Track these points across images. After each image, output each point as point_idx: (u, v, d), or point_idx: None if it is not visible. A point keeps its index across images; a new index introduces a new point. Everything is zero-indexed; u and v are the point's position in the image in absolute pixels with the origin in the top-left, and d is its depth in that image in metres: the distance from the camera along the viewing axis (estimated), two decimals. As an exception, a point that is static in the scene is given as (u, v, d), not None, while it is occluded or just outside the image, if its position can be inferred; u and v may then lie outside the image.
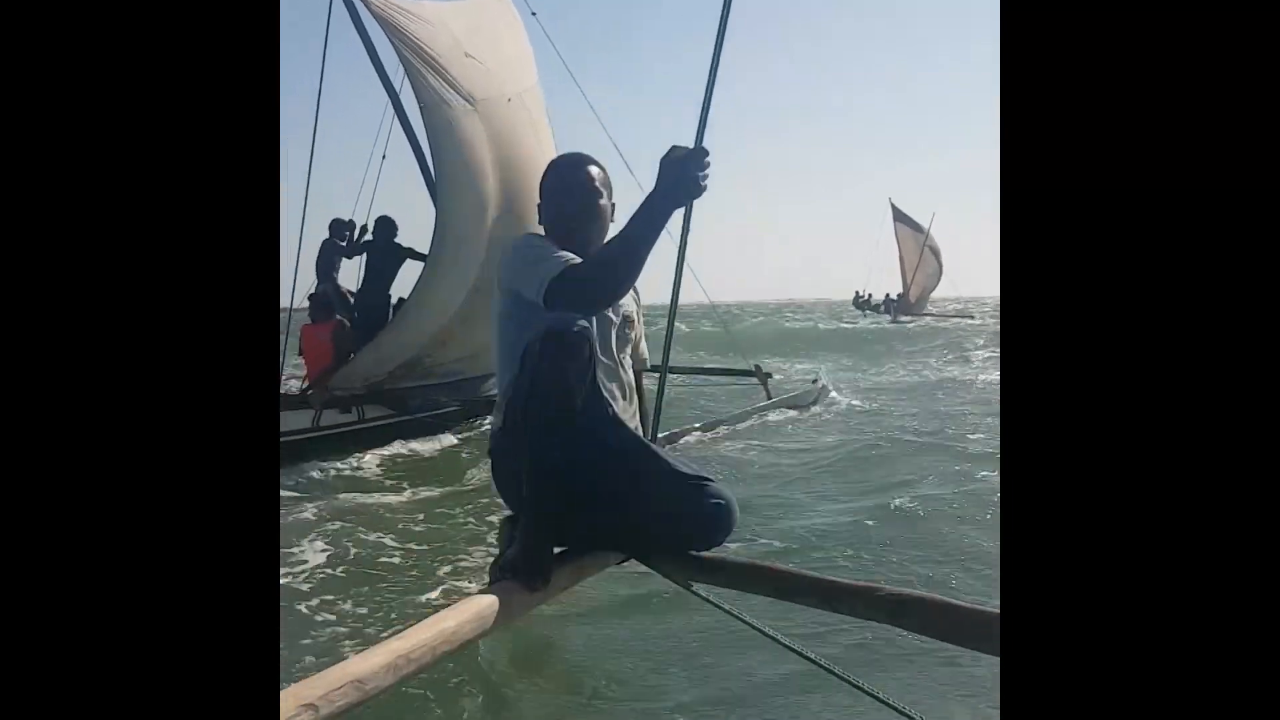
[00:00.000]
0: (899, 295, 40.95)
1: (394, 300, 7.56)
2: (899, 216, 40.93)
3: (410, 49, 6.61)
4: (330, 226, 8.01)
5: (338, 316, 7.33)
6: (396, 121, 7.55)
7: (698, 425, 7.25)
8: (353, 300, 7.71)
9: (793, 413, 8.60)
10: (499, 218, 6.95)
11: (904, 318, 36.74)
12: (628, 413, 1.91)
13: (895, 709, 1.49)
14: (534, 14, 8.20)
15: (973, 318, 37.10)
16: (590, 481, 1.75)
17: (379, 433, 6.84)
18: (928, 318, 36.97)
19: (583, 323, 1.72)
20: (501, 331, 1.88)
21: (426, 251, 6.94)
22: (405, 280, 7.40)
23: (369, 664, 1.34)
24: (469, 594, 1.57)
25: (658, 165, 1.67)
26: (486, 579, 1.72)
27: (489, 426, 2.03)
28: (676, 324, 2.18)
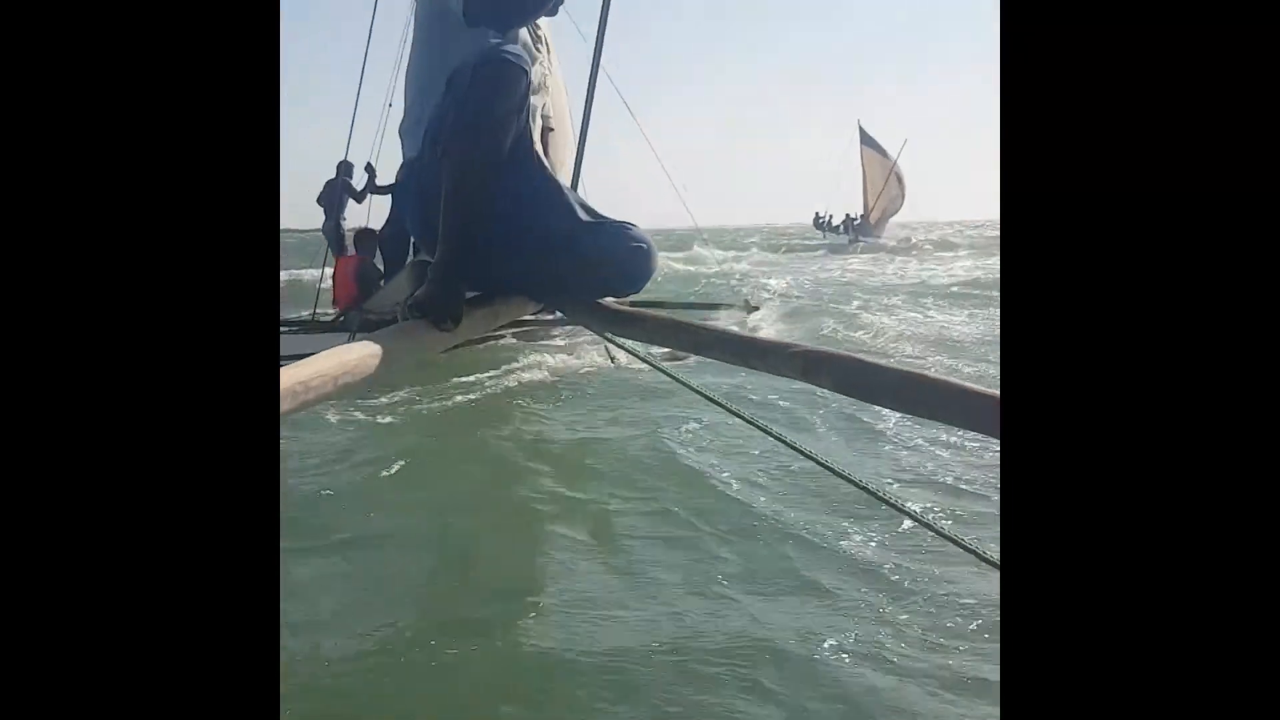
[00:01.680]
0: (860, 216, 41.12)
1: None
2: (865, 139, 40.97)
3: None
4: (338, 167, 8.58)
5: (356, 252, 8.13)
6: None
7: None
8: (353, 238, 8.47)
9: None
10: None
11: (863, 239, 37.36)
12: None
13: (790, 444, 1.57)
14: None
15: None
16: (508, 223, 1.67)
17: None
18: (884, 243, 37.59)
19: (523, 54, 1.59)
20: (422, 56, 1.72)
21: None
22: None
23: None
24: (379, 330, 1.52)
25: None
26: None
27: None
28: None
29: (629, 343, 1.74)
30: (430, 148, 1.63)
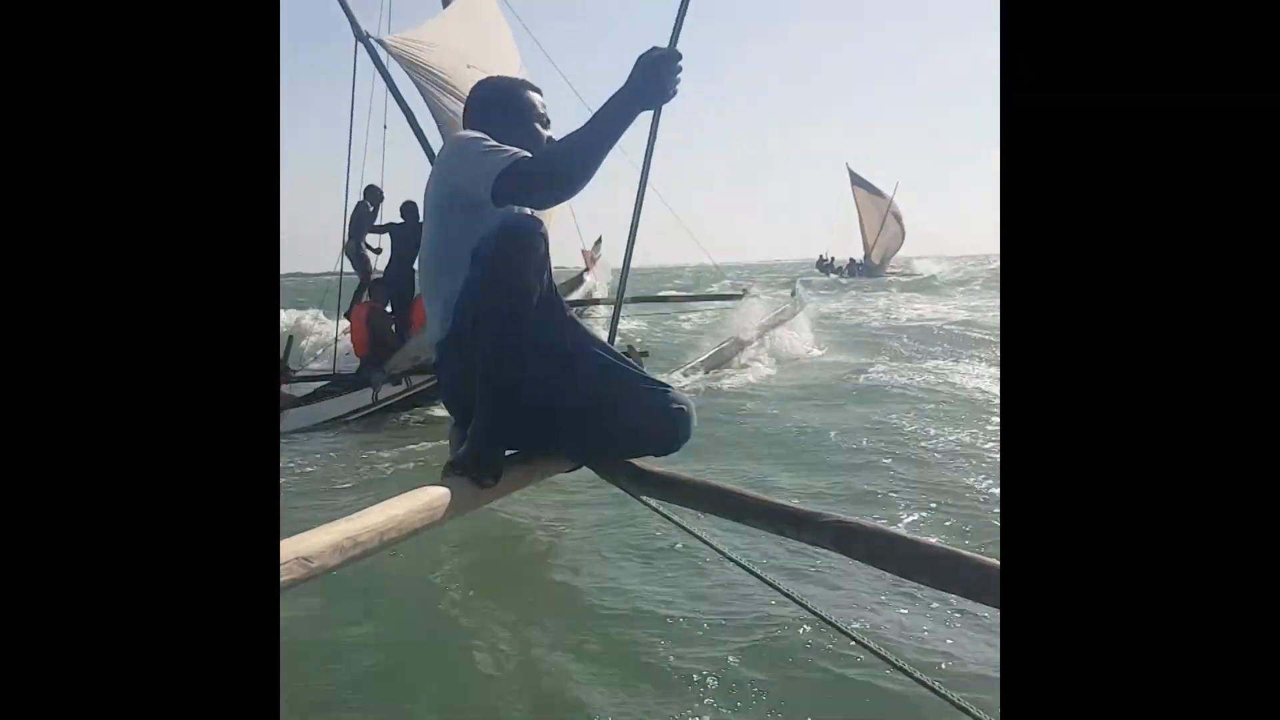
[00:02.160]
0: (864, 258, 41.71)
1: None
2: (856, 180, 41.63)
3: (424, 77, 7.44)
4: (365, 191, 9.04)
5: (369, 299, 8.62)
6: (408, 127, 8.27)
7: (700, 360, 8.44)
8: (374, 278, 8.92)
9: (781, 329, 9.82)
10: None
11: (868, 281, 37.79)
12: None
13: (829, 622, 1.54)
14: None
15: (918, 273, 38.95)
16: (544, 382, 1.71)
17: (422, 396, 7.79)
18: (890, 277, 37.95)
19: (539, 221, 1.66)
20: (440, 241, 1.75)
21: None
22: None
23: (316, 542, 1.32)
24: (421, 486, 1.55)
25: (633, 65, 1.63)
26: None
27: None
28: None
29: (660, 504, 1.76)
30: (462, 319, 1.68)
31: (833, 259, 44.76)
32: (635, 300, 10.87)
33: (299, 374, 8.51)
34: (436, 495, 1.51)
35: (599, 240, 12.79)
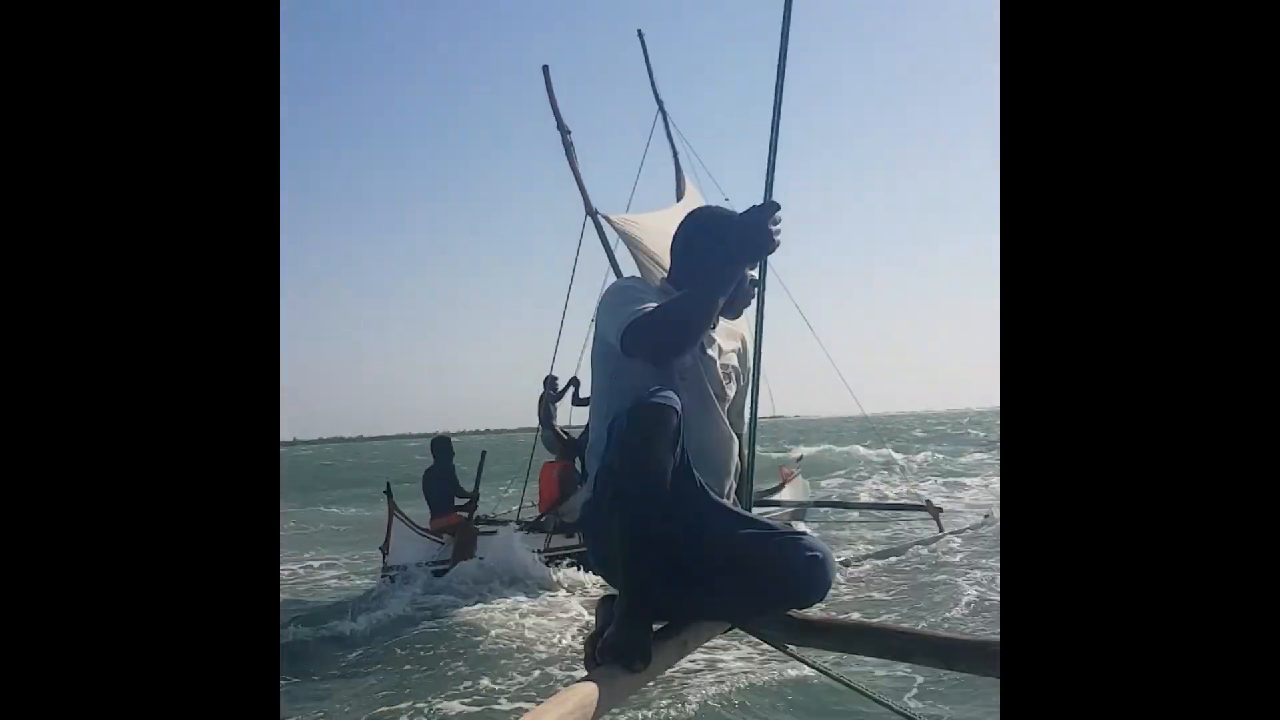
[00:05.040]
0: None
1: None
2: None
3: (639, 250, 8.42)
4: (545, 383, 9.88)
5: (561, 460, 9.30)
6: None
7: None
8: (569, 438, 9.62)
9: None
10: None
11: None
12: (722, 473, 1.86)
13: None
14: (727, 199, 10.04)
15: None
16: (685, 554, 1.71)
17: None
18: None
19: (670, 395, 1.67)
20: (594, 377, 1.89)
21: None
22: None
23: None
24: (569, 684, 1.55)
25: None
26: (584, 665, 1.69)
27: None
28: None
29: (808, 653, 1.70)
30: (602, 491, 1.72)
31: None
32: (818, 505, 11.75)
33: (487, 523, 9.32)
34: (587, 692, 1.50)
35: (800, 458, 13.90)
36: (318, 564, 11.20)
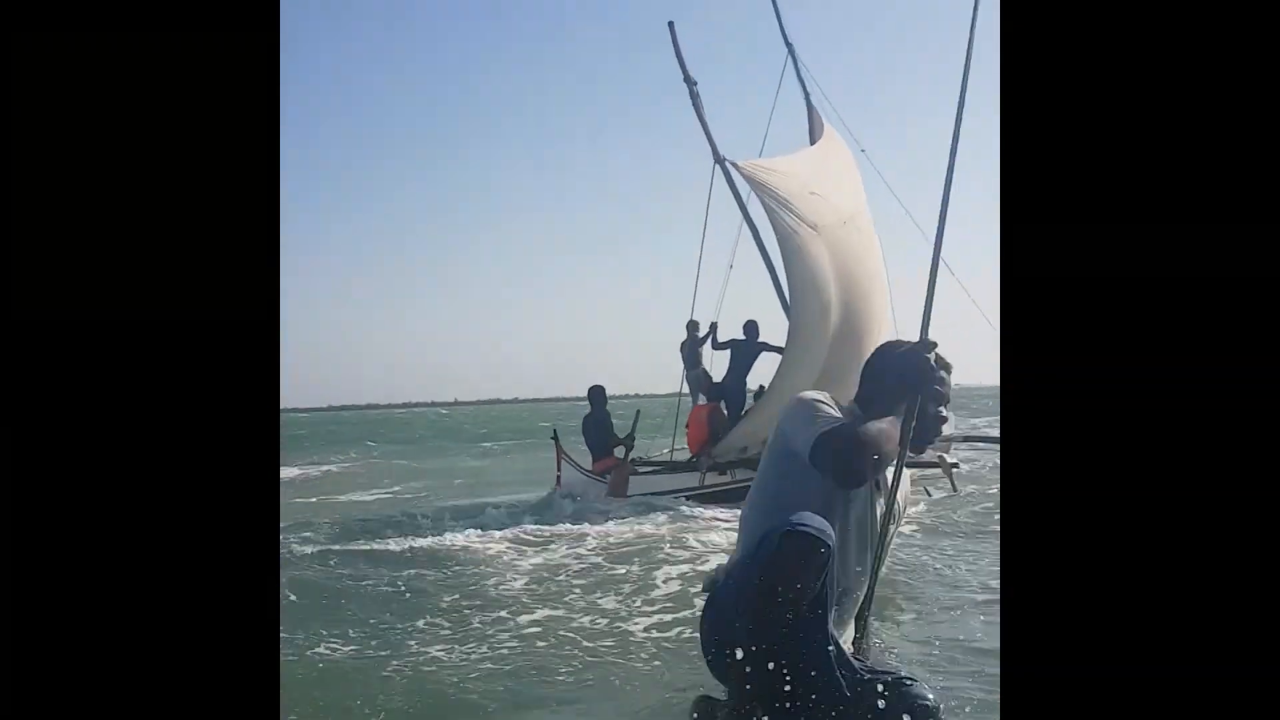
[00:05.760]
0: None
1: (752, 387, 9.84)
2: None
3: (770, 196, 8.66)
4: (687, 327, 10.17)
5: (708, 400, 9.69)
6: (753, 245, 9.58)
7: None
8: (714, 384, 9.96)
9: None
10: (838, 320, 8.68)
11: None
12: (846, 621, 1.92)
13: None
14: (863, 150, 10.23)
15: None
16: (796, 686, 1.72)
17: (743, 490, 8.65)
18: None
19: (825, 526, 1.71)
20: (763, 470, 1.99)
21: (782, 345, 8.96)
22: (758, 371, 9.77)
23: None
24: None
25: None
26: None
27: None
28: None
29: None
30: (735, 599, 1.77)
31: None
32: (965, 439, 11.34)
33: (643, 464, 9.80)
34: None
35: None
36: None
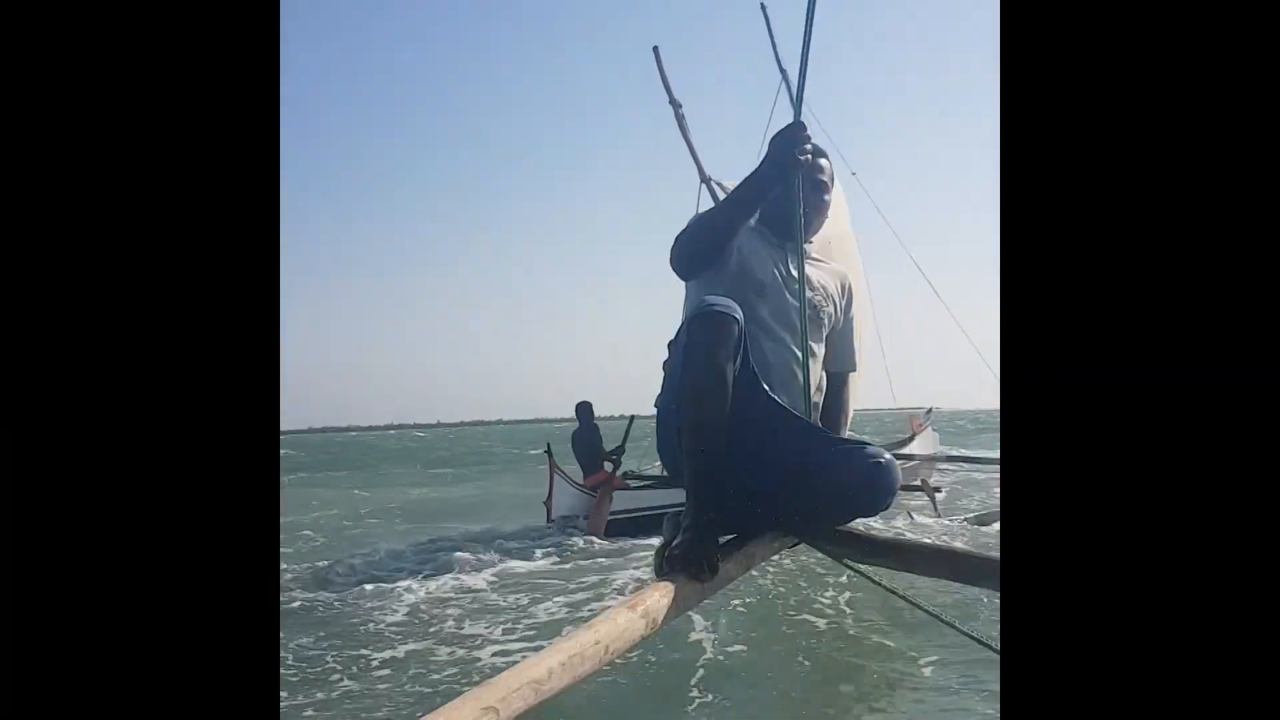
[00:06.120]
0: None
1: None
2: None
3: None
4: (668, 346, 9.75)
5: None
6: None
7: None
8: None
9: None
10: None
11: None
12: (790, 392, 1.89)
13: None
14: (853, 173, 10.33)
15: None
16: (748, 463, 1.74)
17: None
18: None
19: (730, 304, 1.72)
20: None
21: None
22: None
23: (544, 665, 1.41)
24: (638, 590, 1.64)
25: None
26: (653, 574, 1.76)
27: None
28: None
29: (869, 569, 1.72)
30: (668, 400, 1.80)
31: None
32: (950, 460, 11.63)
33: (634, 478, 9.74)
34: (656, 598, 1.58)
35: (929, 410, 13.99)
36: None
